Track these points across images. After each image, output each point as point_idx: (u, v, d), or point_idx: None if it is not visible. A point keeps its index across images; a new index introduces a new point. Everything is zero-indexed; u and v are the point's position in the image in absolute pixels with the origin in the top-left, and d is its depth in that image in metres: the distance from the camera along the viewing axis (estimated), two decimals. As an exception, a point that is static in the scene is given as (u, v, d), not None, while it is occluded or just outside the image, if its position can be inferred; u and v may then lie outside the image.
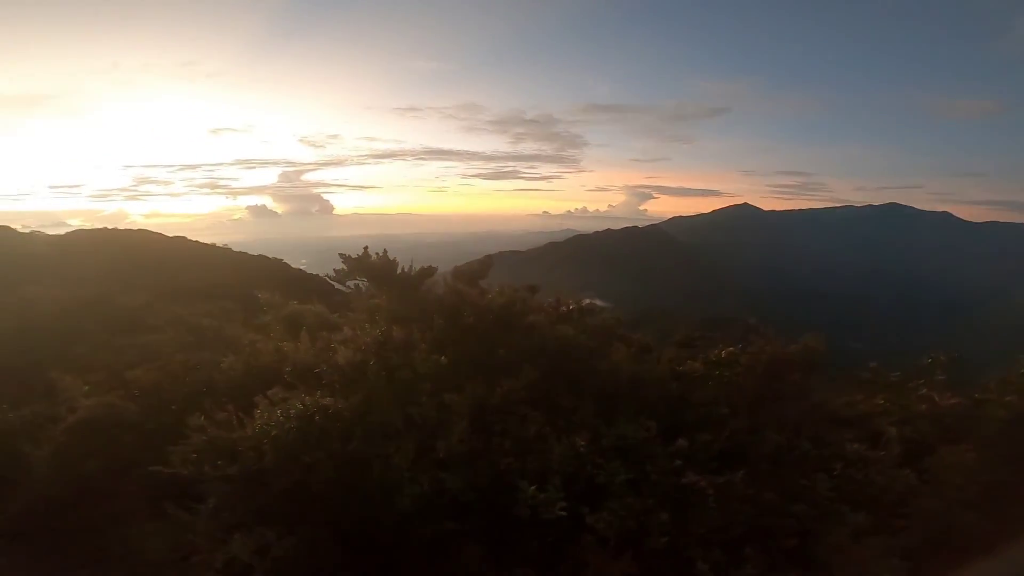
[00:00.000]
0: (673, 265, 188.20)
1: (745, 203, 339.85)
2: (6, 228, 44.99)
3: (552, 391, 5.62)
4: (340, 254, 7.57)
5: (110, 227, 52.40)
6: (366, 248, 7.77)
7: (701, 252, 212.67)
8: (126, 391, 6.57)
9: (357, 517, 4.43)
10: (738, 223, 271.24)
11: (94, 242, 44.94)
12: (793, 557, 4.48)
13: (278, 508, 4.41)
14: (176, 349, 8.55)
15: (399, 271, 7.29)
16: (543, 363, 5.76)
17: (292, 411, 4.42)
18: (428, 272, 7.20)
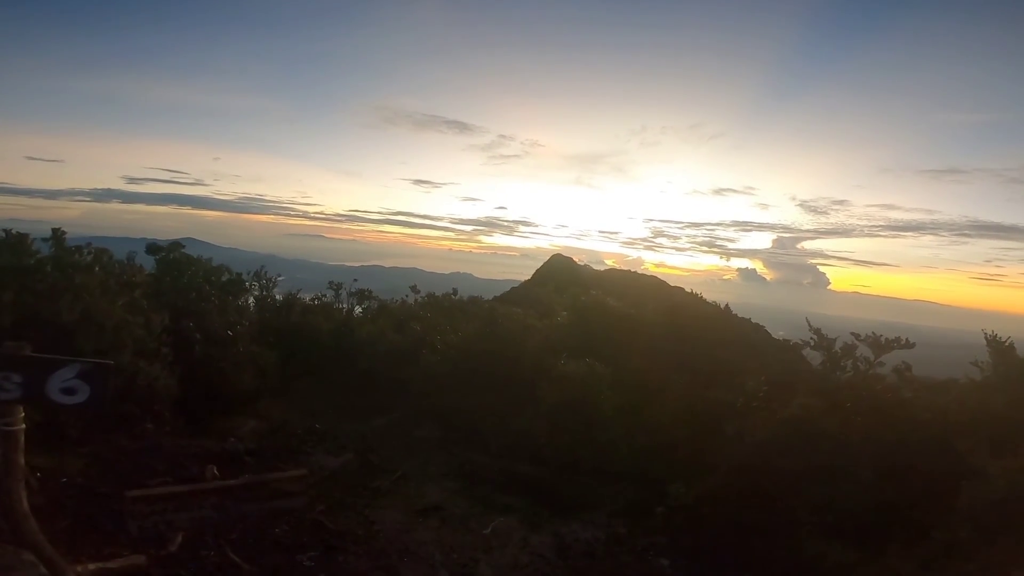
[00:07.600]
0: None
1: None
2: (570, 259, 63.52)
3: None
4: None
5: (631, 270, 64.82)
6: None
7: None
8: (826, 400, 7.17)
9: None
10: None
11: (621, 279, 56.87)
12: None
13: None
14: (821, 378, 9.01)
15: None
16: None
17: None
18: None
